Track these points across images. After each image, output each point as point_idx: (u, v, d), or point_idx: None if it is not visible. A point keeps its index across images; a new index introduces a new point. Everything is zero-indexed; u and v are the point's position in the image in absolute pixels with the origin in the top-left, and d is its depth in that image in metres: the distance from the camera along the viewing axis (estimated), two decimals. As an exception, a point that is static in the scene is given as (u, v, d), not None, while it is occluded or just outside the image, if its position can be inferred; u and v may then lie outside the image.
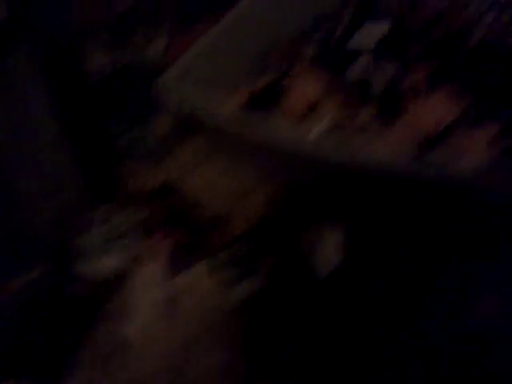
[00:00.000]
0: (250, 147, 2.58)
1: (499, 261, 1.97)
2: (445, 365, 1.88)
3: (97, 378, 2.22)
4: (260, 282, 2.23)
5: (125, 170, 2.87)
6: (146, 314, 2.33)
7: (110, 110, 3.01)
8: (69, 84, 2.64)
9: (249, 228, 2.45)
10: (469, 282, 2.02)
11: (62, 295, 2.40)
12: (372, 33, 2.69)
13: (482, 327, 1.90)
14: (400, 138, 2.29)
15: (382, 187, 2.12)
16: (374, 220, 2.28)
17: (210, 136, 2.90)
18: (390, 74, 2.51)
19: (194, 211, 2.69)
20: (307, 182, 2.49)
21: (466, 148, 2.09)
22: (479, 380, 1.81)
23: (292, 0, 3.06)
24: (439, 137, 2.20)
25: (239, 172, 2.82)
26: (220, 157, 2.93)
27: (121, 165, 2.93)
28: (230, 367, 2.13)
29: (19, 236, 2.47)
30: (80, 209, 2.57)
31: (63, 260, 2.51)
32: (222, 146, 2.89)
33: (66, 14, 2.68)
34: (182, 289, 2.43)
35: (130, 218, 2.57)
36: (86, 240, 2.51)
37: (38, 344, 2.32)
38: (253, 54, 3.02)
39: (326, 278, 2.12)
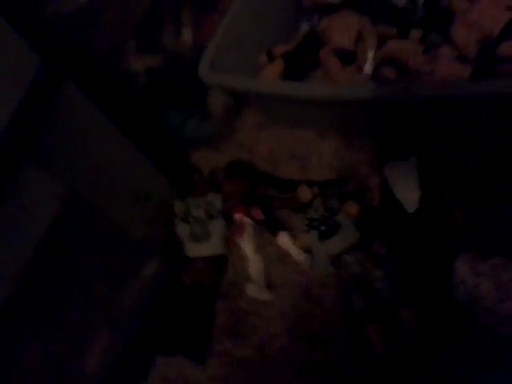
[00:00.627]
0: (302, 107, 2.63)
1: None
2: None
3: (233, 345, 2.46)
4: (350, 234, 2.33)
5: (195, 158, 3.03)
6: (252, 287, 2.53)
7: (165, 107, 3.13)
8: (117, 96, 2.79)
9: (321, 187, 2.55)
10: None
11: (180, 282, 2.64)
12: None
13: None
14: (457, 47, 2.26)
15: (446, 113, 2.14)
16: (441, 148, 2.32)
17: (261, 106, 2.98)
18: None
19: (266, 182, 2.84)
20: (368, 127, 2.54)
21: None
22: None
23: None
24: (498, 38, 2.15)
25: (299, 132, 2.92)
26: (276, 122, 3.03)
27: (190, 153, 3.09)
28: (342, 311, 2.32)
29: (127, 244, 2.72)
30: (169, 205, 2.77)
31: (170, 252, 2.75)
32: (274, 113, 2.97)
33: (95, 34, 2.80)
34: (278, 254, 2.63)
35: (213, 203, 2.74)
36: (181, 231, 2.73)
37: (176, 327, 2.59)
38: (278, 21, 3.01)
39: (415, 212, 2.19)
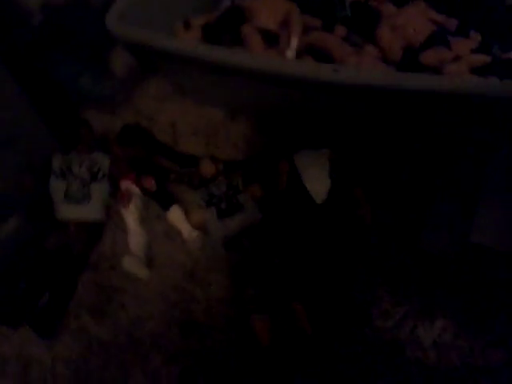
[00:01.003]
0: (218, 77, 2.44)
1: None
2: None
3: (95, 323, 2.14)
4: (251, 214, 2.19)
5: (85, 116, 2.67)
6: (130, 261, 2.25)
7: (61, 52, 2.75)
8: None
9: (226, 165, 2.39)
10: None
11: (42, 246, 2.26)
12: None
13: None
14: (381, 49, 2.28)
15: (364, 102, 2.12)
16: (356, 144, 2.30)
17: (171, 74, 2.74)
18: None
19: (163, 153, 2.60)
20: (284, 108, 2.45)
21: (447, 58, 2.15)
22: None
23: None
24: (422, 46, 2.21)
25: (206, 109, 2.74)
26: (184, 95, 2.81)
27: (80, 110, 2.73)
28: (229, 298, 2.14)
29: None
30: (45, 157, 2.38)
31: (36, 210, 2.35)
32: (185, 84, 2.75)
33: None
34: (165, 230, 2.38)
35: (98, 163, 2.42)
36: (56, 189, 2.36)
37: (27, 296, 2.20)
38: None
39: (323, 204, 2.12)
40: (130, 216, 2.38)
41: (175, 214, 2.36)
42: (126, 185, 2.46)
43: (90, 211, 2.36)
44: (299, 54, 2.47)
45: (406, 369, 1.88)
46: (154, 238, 2.36)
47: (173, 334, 2.09)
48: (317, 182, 2.16)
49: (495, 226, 2.05)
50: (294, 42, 2.46)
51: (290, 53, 2.45)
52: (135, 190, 2.44)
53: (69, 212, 2.34)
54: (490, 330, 1.93)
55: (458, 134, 2.18)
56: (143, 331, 2.11)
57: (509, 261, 2.00)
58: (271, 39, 2.56)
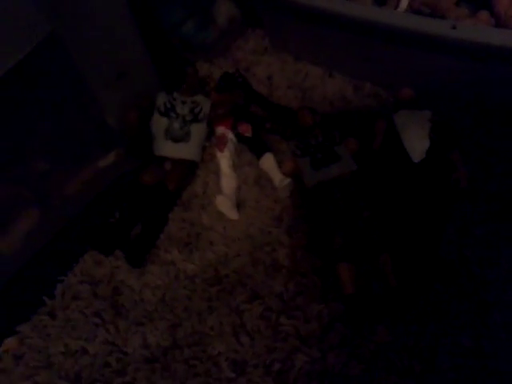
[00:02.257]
0: (328, 31, 2.43)
1: None
2: None
3: (183, 258, 2.23)
4: (347, 166, 2.20)
5: (188, 61, 2.75)
6: (224, 199, 2.32)
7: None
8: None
9: (323, 117, 2.40)
10: None
11: (139, 180, 2.36)
12: None
13: None
14: (497, 15, 2.22)
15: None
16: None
17: (276, 27, 2.77)
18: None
19: (260, 103, 2.64)
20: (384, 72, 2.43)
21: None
22: None
23: None
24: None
25: (304, 65, 2.74)
26: (283, 49, 2.83)
27: (183, 55, 2.82)
28: (307, 246, 2.18)
29: (89, 123, 2.39)
30: (150, 96, 2.48)
31: (136, 146, 2.46)
32: (287, 37, 2.77)
33: None
34: (256, 176, 2.43)
35: (200, 105, 2.50)
36: (158, 125, 2.46)
37: (120, 226, 2.33)
38: None
39: (420, 163, 2.10)
40: (224, 159, 2.45)
41: (268, 161, 2.42)
42: (222, 130, 2.54)
43: (188, 150, 2.44)
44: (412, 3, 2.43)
45: (492, 330, 1.86)
46: (245, 183, 2.42)
47: (257, 273, 2.15)
48: (415, 141, 2.13)
49: None
50: (405, 1, 2.42)
51: (404, 3, 2.40)
52: (230, 135, 2.52)
53: (168, 149, 2.43)
54: None
55: None
56: (229, 268, 2.19)
57: None
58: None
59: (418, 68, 2.29)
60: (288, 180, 2.32)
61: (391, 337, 1.89)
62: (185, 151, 2.44)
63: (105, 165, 2.51)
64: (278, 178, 2.35)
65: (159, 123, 2.46)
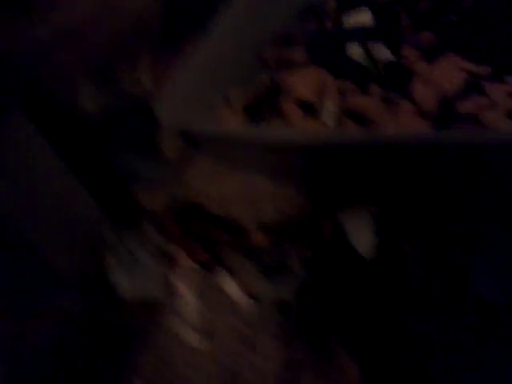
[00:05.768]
0: (261, 154, 2.58)
1: None
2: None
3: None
4: (301, 277, 2.21)
5: (137, 195, 2.85)
6: (186, 341, 2.31)
7: (112, 145, 3.00)
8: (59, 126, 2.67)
9: (272, 234, 2.45)
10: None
11: (99, 320, 2.36)
12: (357, 21, 2.73)
13: None
14: (417, 104, 2.31)
15: (408, 163, 2.13)
16: (401, 201, 2.29)
17: (218, 153, 2.90)
18: (385, 55, 2.55)
19: (214, 225, 2.70)
20: (327, 175, 2.50)
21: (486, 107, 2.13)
22: None
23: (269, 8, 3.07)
24: (457, 96, 2.22)
25: (254, 182, 2.84)
26: (233, 171, 2.94)
27: (131, 190, 2.92)
28: (284, 370, 2.12)
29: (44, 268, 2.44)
30: (100, 235, 2.55)
31: (92, 286, 2.48)
32: (232, 162, 2.89)
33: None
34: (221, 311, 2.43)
35: (152, 241, 2.55)
36: (112, 266, 2.48)
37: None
38: (238, 65, 3.02)
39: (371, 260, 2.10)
40: (187, 289, 2.46)
41: (230, 285, 2.42)
42: (182, 258, 2.58)
43: (146, 288, 2.46)
44: (340, 119, 2.57)
45: None
46: (209, 308, 2.41)
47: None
48: (364, 239, 2.15)
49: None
50: (333, 109, 2.55)
51: (330, 120, 2.53)
52: (190, 263, 2.55)
53: (129, 290, 2.45)
54: None
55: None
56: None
57: None
58: (310, 109, 2.68)
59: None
60: (251, 301, 2.31)
61: None
62: (144, 289, 2.48)
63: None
64: (242, 300, 2.34)
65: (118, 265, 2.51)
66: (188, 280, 2.48)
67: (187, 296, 2.44)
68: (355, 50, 2.68)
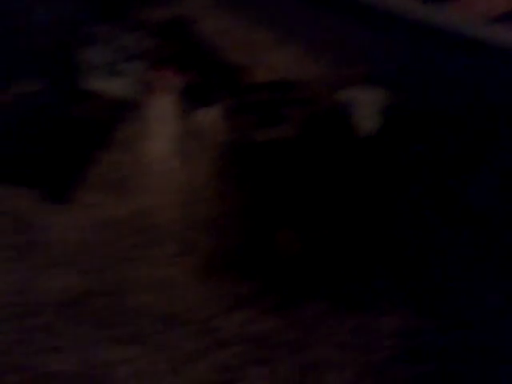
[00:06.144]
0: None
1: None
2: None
3: (110, 203, 2.00)
4: (289, 130, 2.13)
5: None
6: (160, 147, 2.13)
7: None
8: None
9: (275, 79, 2.33)
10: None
11: (65, 113, 2.08)
12: None
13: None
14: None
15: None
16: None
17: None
18: None
19: (210, 54, 2.50)
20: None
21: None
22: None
23: None
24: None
25: (263, 25, 2.65)
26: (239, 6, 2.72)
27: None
28: (237, 214, 2.07)
29: (15, 46, 2.07)
30: (83, 22, 2.21)
31: (65, 76, 2.17)
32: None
33: None
34: (198, 127, 2.28)
35: (140, 42, 2.29)
36: (92, 57, 2.21)
37: (39, 158, 2.02)
38: None
39: (365, 139, 2.10)
40: (167, 104, 2.25)
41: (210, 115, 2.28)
42: (166, 74, 2.35)
43: (122, 87, 2.24)
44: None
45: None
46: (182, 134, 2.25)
47: (189, 228, 2.00)
48: (363, 117, 2.14)
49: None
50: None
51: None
52: (175, 81, 2.34)
53: (101, 84, 2.21)
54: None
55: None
56: (160, 218, 2.01)
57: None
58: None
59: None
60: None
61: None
62: (118, 87, 2.24)
63: (30, 91, 2.18)
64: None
65: (94, 56, 2.22)
66: (170, 96, 2.27)
67: (166, 111, 2.24)
68: None
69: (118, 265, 1.87)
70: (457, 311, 1.80)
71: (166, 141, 2.20)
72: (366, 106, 2.18)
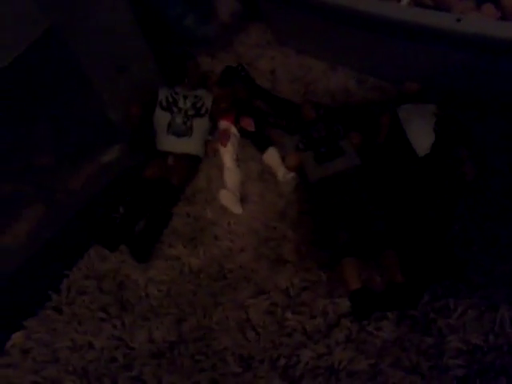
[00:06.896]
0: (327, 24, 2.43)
1: None
2: None
3: (187, 252, 2.23)
4: (351, 160, 2.20)
5: (190, 55, 2.71)
6: (231, 193, 2.35)
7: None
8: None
9: (326, 111, 2.40)
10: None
11: (142, 175, 2.37)
12: None
13: None
14: (503, 8, 2.20)
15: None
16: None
17: (277, 19, 2.76)
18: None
19: (262, 97, 2.64)
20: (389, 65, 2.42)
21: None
22: None
23: None
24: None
25: (307, 59, 2.74)
26: (284, 43, 2.83)
27: (185, 49, 2.79)
28: (312, 241, 2.19)
29: (91, 117, 2.40)
30: (152, 90, 2.48)
31: (139, 141, 2.47)
32: (290, 31, 2.76)
33: None
34: (259, 171, 2.44)
35: (202, 99, 2.50)
36: (160, 120, 2.48)
37: (125, 221, 2.33)
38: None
39: (425, 157, 2.09)
40: (227, 154, 2.46)
41: (271, 156, 2.42)
42: (225, 124, 2.55)
43: (190, 145, 2.45)
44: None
45: (500, 327, 1.85)
46: (248, 177, 2.43)
47: (262, 268, 2.15)
48: (420, 135, 2.13)
49: None
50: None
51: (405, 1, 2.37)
52: (233, 129, 2.54)
53: (170, 144, 2.44)
54: None
55: None
56: (234, 263, 2.19)
57: None
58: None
59: (421, 62, 2.28)
60: (291, 174, 2.33)
61: (397, 333, 1.89)
62: (187, 146, 2.45)
63: (108, 160, 2.51)
64: (281, 172, 2.35)
65: (161, 118, 2.46)
66: (229, 145, 2.47)
67: (226, 160, 2.44)
68: None
69: (198, 313, 2.06)
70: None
71: (236, 186, 2.39)
72: (423, 123, 2.17)
